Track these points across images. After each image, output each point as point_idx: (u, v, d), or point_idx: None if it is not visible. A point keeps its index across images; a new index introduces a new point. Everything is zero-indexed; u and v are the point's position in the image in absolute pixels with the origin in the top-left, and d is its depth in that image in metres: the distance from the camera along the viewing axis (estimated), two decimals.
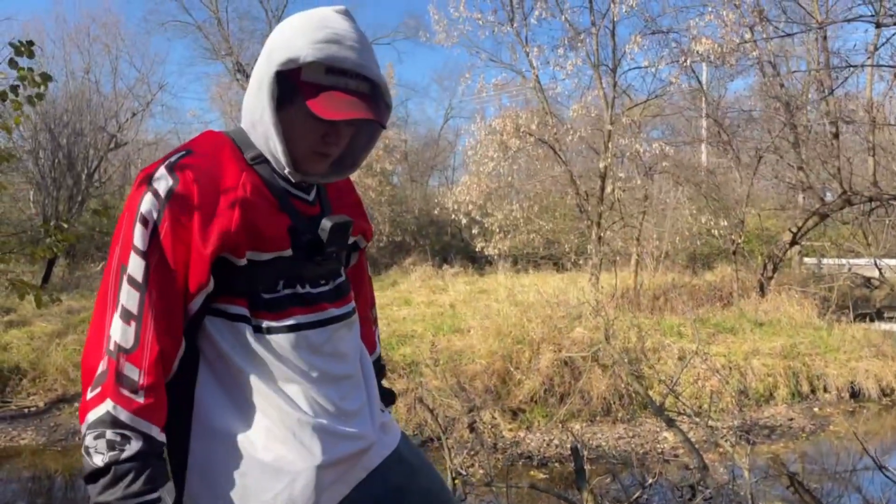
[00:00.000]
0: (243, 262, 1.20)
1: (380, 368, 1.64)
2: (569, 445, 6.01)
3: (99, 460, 1.08)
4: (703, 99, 13.87)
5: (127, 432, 1.09)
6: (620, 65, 11.11)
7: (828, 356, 8.21)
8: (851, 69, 10.31)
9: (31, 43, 3.84)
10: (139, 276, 1.13)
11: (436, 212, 16.38)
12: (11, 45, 3.75)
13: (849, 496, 5.61)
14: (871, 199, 11.03)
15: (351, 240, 1.44)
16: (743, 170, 12.93)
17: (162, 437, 1.14)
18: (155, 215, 1.14)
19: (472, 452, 5.50)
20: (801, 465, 6.30)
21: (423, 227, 20.19)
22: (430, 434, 6.20)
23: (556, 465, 6.02)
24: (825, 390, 7.92)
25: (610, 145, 10.76)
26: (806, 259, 14.81)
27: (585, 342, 7.43)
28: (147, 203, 1.14)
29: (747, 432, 6.16)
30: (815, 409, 7.53)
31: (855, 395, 7.90)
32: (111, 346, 1.11)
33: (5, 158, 4.04)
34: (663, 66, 10.83)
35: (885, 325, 10.21)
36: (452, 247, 19.52)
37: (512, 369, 7.22)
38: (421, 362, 7.47)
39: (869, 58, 9.87)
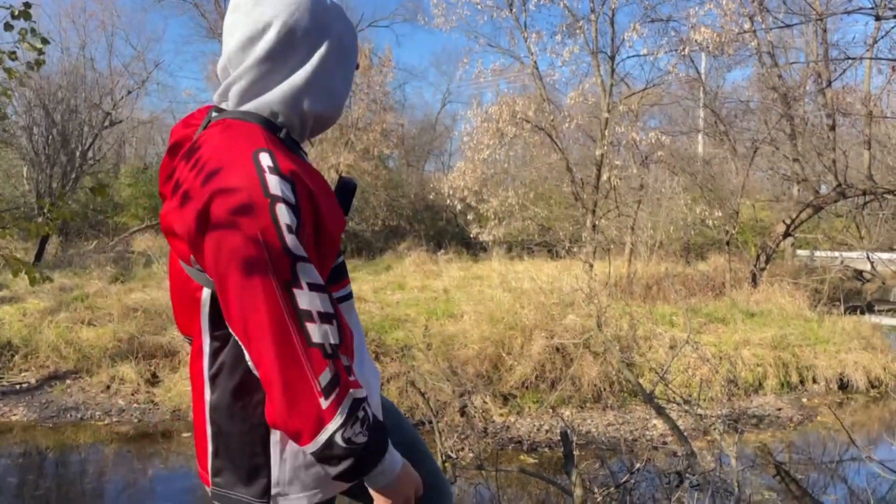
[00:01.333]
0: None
1: None
2: (558, 431, 6.05)
3: (362, 437, 1.15)
4: (702, 88, 13.85)
5: (364, 403, 1.16)
6: (619, 52, 11.11)
7: (817, 347, 8.27)
8: (850, 61, 10.32)
9: (27, 5, 3.81)
10: (317, 280, 1.13)
11: (431, 197, 16.38)
12: (6, 7, 3.73)
13: (834, 486, 5.67)
14: (865, 193, 11.07)
15: None
16: (739, 160, 12.94)
17: None
18: (296, 220, 1.12)
19: (463, 436, 5.53)
20: (788, 455, 6.37)
21: (419, 212, 20.18)
22: (421, 417, 6.24)
23: (546, 450, 6.06)
24: (814, 381, 7.99)
25: (606, 133, 10.75)
26: (798, 251, 14.88)
27: (578, 329, 7.46)
28: (285, 212, 1.10)
29: (736, 421, 6.22)
30: (804, 400, 7.60)
31: (843, 386, 7.97)
32: (328, 351, 1.12)
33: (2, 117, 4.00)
34: (662, 55, 10.82)
35: (875, 318, 10.28)
36: (447, 232, 19.53)
37: (504, 355, 7.24)
38: (413, 346, 7.49)
39: (868, 50, 9.85)
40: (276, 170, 1.12)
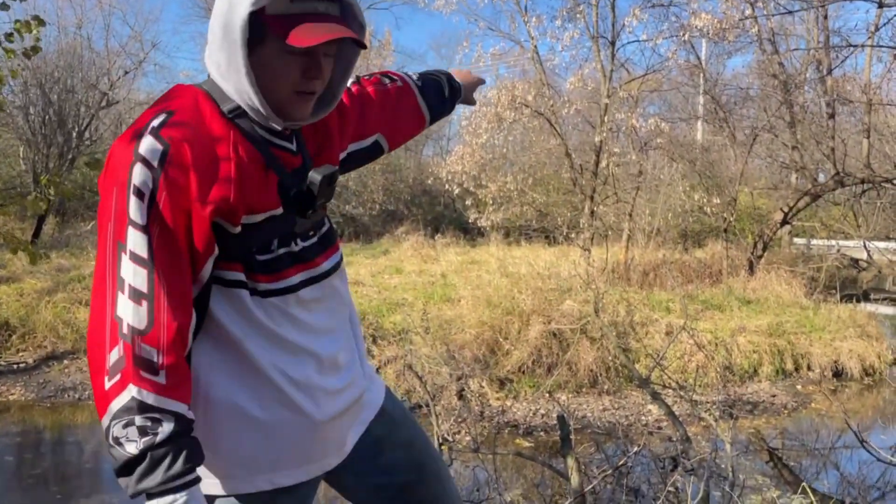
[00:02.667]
0: (237, 228, 1.15)
1: (430, 89, 1.67)
2: (554, 415, 6.09)
3: (133, 448, 1.03)
4: (702, 75, 13.80)
5: (156, 415, 1.04)
6: (619, 38, 11.04)
7: (813, 335, 8.31)
8: (851, 49, 10.30)
9: None
10: (144, 253, 1.06)
11: (429, 181, 16.31)
12: None
13: (826, 472, 5.72)
14: (863, 181, 11.08)
15: (350, 148, 1.45)
16: (738, 148, 12.92)
17: (191, 414, 1.09)
18: (150, 185, 1.06)
19: (460, 419, 5.56)
20: (781, 441, 6.42)
21: (416, 196, 20.12)
22: (418, 400, 6.26)
23: (542, 433, 6.10)
24: (809, 368, 8.04)
25: (606, 119, 10.72)
26: (795, 239, 14.91)
27: (575, 315, 7.48)
28: (139, 174, 1.05)
29: (731, 407, 6.26)
30: (798, 387, 7.65)
31: (838, 374, 8.01)
32: (124, 330, 1.04)
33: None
34: (662, 41, 10.77)
35: (870, 307, 10.33)
36: (445, 217, 19.49)
37: (501, 339, 7.27)
38: (411, 330, 7.51)
39: (869, 38, 9.83)
40: (156, 130, 1.08)
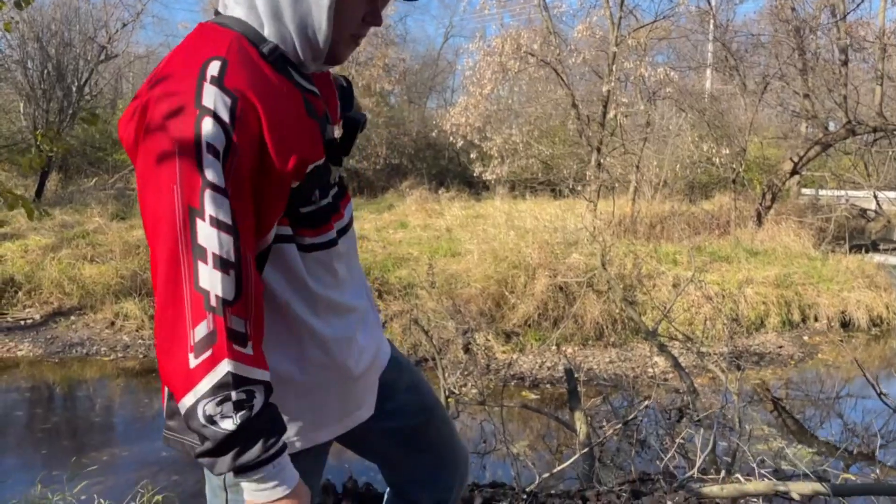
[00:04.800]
0: (299, 182, 1.08)
1: None
2: (561, 368, 6.10)
3: (230, 424, 0.96)
4: (712, 21, 13.47)
5: (251, 387, 0.98)
6: None
7: (820, 286, 8.27)
8: None
9: None
10: (227, 218, 0.97)
11: (433, 134, 16.15)
12: None
13: (830, 422, 5.75)
14: (875, 130, 10.88)
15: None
16: (748, 97, 12.68)
17: (270, 380, 1.04)
18: (225, 141, 0.97)
19: (466, 373, 5.58)
20: (786, 391, 6.43)
21: (421, 150, 19.93)
22: (424, 354, 6.28)
23: (548, 386, 6.12)
24: (816, 319, 8.02)
25: (614, 68, 10.50)
26: (804, 190, 14.75)
27: (581, 268, 7.45)
28: (211, 129, 0.96)
29: (737, 358, 6.26)
30: (805, 338, 7.64)
31: (845, 324, 8.00)
32: (212, 302, 0.96)
33: None
34: None
35: (879, 257, 10.25)
36: (449, 171, 19.34)
37: (507, 293, 7.25)
38: (416, 285, 7.49)
39: None
40: (218, 81, 0.98)
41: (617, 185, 12.41)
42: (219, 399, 0.96)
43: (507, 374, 6.18)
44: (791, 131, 14.32)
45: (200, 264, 0.96)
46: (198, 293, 0.96)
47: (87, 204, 11.30)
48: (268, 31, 1.09)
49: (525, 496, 2.70)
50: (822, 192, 14.45)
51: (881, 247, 11.83)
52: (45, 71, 13.31)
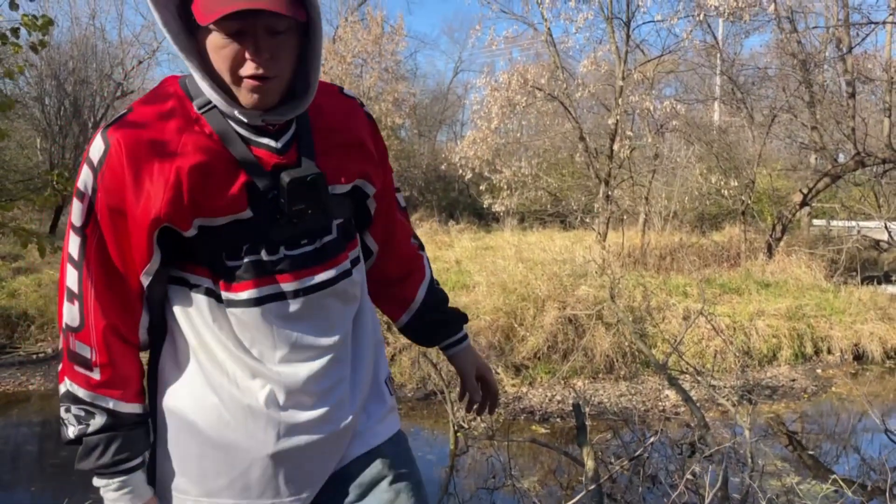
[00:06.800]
0: (193, 231, 1.08)
1: (435, 293, 1.53)
2: (570, 401, 6.06)
3: (70, 432, 1.11)
4: (718, 55, 13.58)
5: (88, 408, 1.10)
6: (634, 18, 10.88)
7: (833, 318, 8.19)
8: (872, 26, 10.07)
9: None
10: (76, 254, 1.08)
11: (443, 167, 16.26)
12: None
13: (847, 456, 5.66)
14: (884, 161, 10.88)
15: (343, 188, 1.20)
16: (756, 129, 12.72)
17: (129, 408, 1.12)
18: (90, 188, 1.06)
19: None
20: (800, 425, 6.35)
21: (431, 182, 20.06)
22: (433, 388, 6.26)
23: (558, 420, 6.07)
24: (829, 352, 7.93)
25: (621, 102, 10.58)
26: (815, 221, 14.69)
27: (590, 300, 7.43)
28: (83, 176, 1.06)
29: (749, 392, 6.19)
30: (818, 371, 7.55)
31: (859, 357, 7.91)
32: (63, 325, 1.10)
33: (9, 106, 3.96)
34: (678, 21, 10.59)
35: (891, 289, 10.16)
36: (459, 203, 19.43)
37: (516, 325, 7.23)
38: None
39: (890, 15, 9.61)
40: (104, 130, 1.07)
41: (626, 216, 12.42)
42: (64, 407, 1.11)
43: (516, 408, 6.14)
44: (800, 163, 14.33)
45: (63, 293, 1.11)
46: (61, 318, 1.11)
47: None
48: (201, 87, 1.08)
49: None
50: (833, 223, 14.39)
51: (894, 278, 11.73)
52: (62, 107, 13.58)
